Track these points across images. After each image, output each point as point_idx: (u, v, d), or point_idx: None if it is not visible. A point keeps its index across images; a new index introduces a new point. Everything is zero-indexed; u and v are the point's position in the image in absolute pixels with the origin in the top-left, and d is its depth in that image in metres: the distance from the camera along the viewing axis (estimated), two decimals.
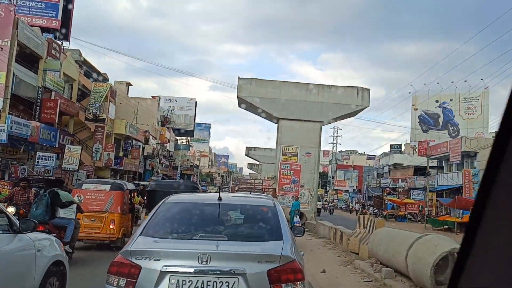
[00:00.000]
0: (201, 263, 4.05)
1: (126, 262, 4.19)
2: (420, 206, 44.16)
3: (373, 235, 12.93)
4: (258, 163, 79.24)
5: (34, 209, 10.12)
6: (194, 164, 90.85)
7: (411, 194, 46.55)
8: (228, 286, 4.02)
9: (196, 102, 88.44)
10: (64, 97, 39.34)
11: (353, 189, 69.54)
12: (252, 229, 5.23)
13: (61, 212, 10.39)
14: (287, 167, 29.35)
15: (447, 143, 47.29)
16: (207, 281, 4.03)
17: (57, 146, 37.58)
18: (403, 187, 54.47)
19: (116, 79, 60.85)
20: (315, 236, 22.07)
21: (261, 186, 43.26)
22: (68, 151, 36.40)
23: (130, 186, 15.35)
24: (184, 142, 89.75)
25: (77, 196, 12.89)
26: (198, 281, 4.03)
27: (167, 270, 4.06)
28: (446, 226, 33.55)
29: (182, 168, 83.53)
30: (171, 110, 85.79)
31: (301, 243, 12.28)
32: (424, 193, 45.50)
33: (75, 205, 11.01)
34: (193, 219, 5.22)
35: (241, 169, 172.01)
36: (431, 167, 52.45)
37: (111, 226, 12.90)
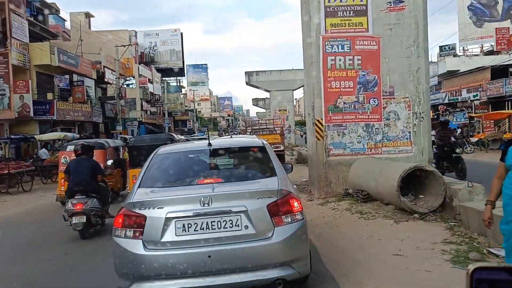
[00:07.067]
0: (203, 205, 3.99)
1: (131, 214, 4.10)
2: None
3: None
4: (264, 96, 60.00)
5: None
6: (189, 108, 71.59)
7: None
8: (232, 223, 3.99)
9: (181, 33, 67.98)
10: None
11: None
12: (246, 169, 5.12)
13: None
14: (340, 46, 10.25)
15: None
16: (211, 222, 3.98)
17: None
18: (476, 99, 35.09)
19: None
20: None
21: (272, 126, 26.03)
22: None
23: (117, 143, 15.20)
24: (175, 84, 70.22)
25: (64, 158, 12.35)
26: (202, 222, 3.98)
27: (171, 216, 4.00)
28: None
29: (176, 113, 64.61)
30: (153, 47, 65.97)
31: None
32: None
33: None
34: (187, 166, 5.02)
35: (247, 111, 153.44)
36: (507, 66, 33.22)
37: None
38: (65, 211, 8.08)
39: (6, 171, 15.61)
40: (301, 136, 56.44)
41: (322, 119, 10.57)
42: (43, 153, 22.14)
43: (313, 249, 6.20)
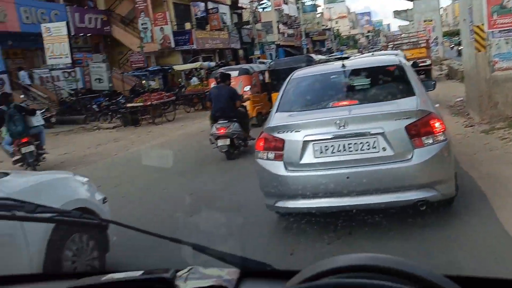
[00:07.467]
0: (339, 128, 3.96)
1: (271, 137, 4.24)
2: None
3: None
4: (406, 8, 54.28)
5: (14, 127, 9.11)
6: (327, 27, 68.46)
7: None
8: (369, 145, 3.93)
9: None
10: None
11: None
12: (382, 89, 4.79)
13: (34, 121, 9.50)
14: None
15: None
16: (348, 144, 3.96)
17: (74, 33, 21.18)
18: None
19: None
20: None
21: (416, 39, 23.47)
22: (47, 36, 18.72)
23: (261, 67, 15.03)
24: (310, 3, 67.21)
25: (213, 84, 11.70)
26: (339, 145, 3.99)
27: (309, 139, 4.05)
28: None
29: (313, 34, 62.38)
30: None
31: None
32: None
33: (39, 112, 10.88)
34: (322, 89, 4.99)
35: (388, 25, 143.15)
36: None
37: None
38: (211, 135, 8.72)
39: (149, 103, 16.11)
40: (451, 48, 50.54)
41: (483, 24, 8.38)
42: (193, 82, 22.79)
43: (480, 196, 4.78)
